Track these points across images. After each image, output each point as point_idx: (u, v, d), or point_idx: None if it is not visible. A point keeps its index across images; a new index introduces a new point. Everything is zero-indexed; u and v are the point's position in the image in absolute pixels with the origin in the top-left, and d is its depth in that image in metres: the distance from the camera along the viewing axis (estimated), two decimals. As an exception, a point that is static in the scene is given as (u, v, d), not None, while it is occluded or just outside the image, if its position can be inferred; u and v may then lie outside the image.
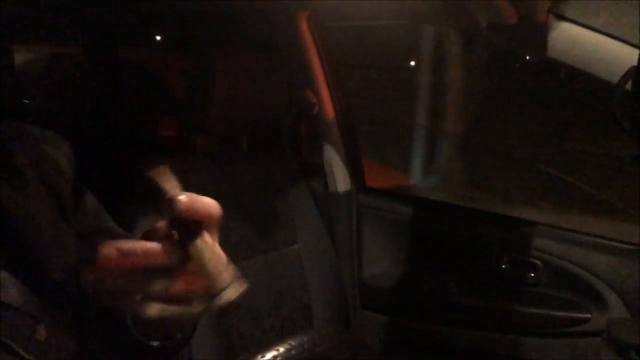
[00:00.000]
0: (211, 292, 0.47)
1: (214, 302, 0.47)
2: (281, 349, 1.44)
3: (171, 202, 0.46)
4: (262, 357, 1.43)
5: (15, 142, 0.62)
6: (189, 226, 0.46)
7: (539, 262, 1.45)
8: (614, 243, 1.40)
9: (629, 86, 0.88)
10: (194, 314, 0.50)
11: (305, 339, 1.49)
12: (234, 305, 0.47)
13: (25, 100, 2.34)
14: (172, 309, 0.48)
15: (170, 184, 0.47)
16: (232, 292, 0.48)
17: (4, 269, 0.58)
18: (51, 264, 0.61)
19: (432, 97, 3.13)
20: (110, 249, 0.46)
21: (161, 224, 0.48)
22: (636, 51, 0.95)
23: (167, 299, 0.48)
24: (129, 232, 0.74)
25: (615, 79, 0.93)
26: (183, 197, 0.46)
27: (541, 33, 1.13)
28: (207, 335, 1.35)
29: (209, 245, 0.47)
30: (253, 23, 1.72)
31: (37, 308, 0.59)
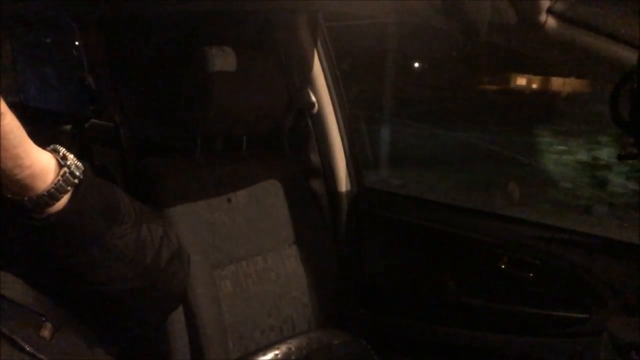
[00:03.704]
0: None
1: None
2: (282, 349, 1.44)
3: None
4: (263, 356, 1.43)
5: None
6: None
7: (538, 262, 1.46)
8: (614, 243, 1.40)
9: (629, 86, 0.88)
10: None
11: (305, 339, 1.50)
12: None
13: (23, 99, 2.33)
14: None
15: None
16: None
17: (11, 268, 0.59)
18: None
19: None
20: None
21: None
22: (636, 51, 0.96)
23: None
24: None
25: (614, 79, 0.93)
26: None
27: (541, 33, 1.13)
28: (207, 334, 1.35)
29: None
30: (253, 23, 1.72)
31: (44, 307, 0.59)
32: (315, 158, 1.74)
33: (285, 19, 1.66)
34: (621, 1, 1.05)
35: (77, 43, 2.31)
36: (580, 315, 1.40)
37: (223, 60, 1.39)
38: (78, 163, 0.59)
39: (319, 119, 1.71)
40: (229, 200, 1.48)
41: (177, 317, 1.31)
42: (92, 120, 2.44)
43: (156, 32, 2.09)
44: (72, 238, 0.58)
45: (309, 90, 1.68)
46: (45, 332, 0.58)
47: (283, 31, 1.68)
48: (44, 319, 0.59)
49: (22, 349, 0.56)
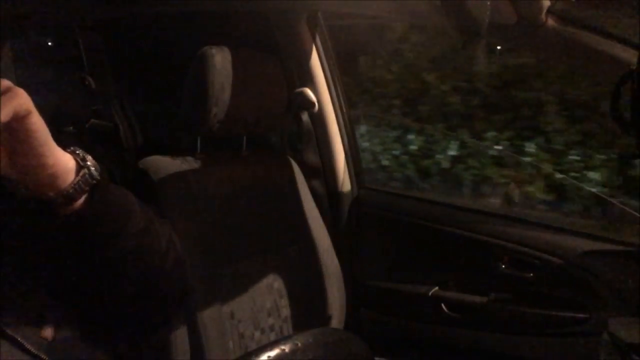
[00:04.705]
0: None
1: None
2: (281, 348, 1.44)
3: None
4: (264, 355, 1.43)
5: None
6: None
7: (538, 262, 1.46)
8: (614, 243, 1.40)
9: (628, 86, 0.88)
10: None
11: (308, 338, 1.50)
12: None
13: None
14: None
15: None
16: None
17: (12, 269, 0.59)
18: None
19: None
20: None
21: None
22: (636, 51, 0.95)
23: None
24: None
25: (614, 79, 0.93)
26: None
27: (541, 33, 1.13)
28: (207, 334, 1.35)
29: None
30: (253, 23, 1.71)
31: (45, 308, 0.60)
32: (315, 158, 1.74)
33: (285, 19, 1.66)
34: (621, 1, 1.05)
35: (77, 43, 2.31)
36: (580, 315, 1.40)
37: (223, 60, 1.39)
38: (96, 165, 0.60)
39: (319, 119, 1.71)
40: (229, 200, 1.48)
41: (177, 317, 1.31)
42: (92, 120, 2.44)
43: (156, 32, 2.09)
44: (87, 238, 0.59)
45: (309, 90, 1.68)
46: (47, 333, 0.59)
47: (283, 31, 1.68)
48: (45, 319, 0.59)
49: (23, 349, 0.56)
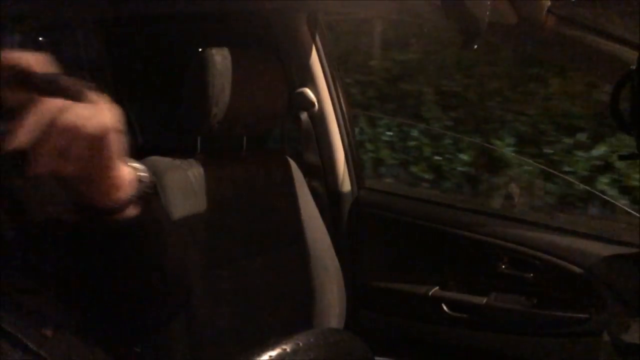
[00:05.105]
0: None
1: None
2: (287, 348, 1.43)
3: None
4: (264, 355, 1.43)
5: None
6: None
7: (538, 262, 1.46)
8: (614, 243, 1.40)
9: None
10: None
11: (309, 338, 1.49)
12: None
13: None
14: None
15: None
16: None
17: (12, 267, 0.59)
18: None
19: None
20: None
21: None
22: (636, 51, 0.96)
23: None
24: None
25: (614, 79, 0.93)
26: None
27: (541, 33, 1.13)
28: (207, 334, 1.35)
29: None
30: (253, 23, 1.72)
31: (44, 305, 0.60)
32: (315, 158, 1.74)
33: (285, 19, 1.66)
34: (621, 1, 1.05)
35: (77, 43, 2.31)
36: (581, 315, 1.40)
37: (223, 60, 1.39)
38: (150, 177, 0.62)
39: (319, 119, 1.71)
40: (229, 200, 1.48)
41: (177, 317, 1.31)
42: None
43: (156, 32, 2.09)
44: (124, 243, 0.61)
45: (309, 90, 1.68)
46: (47, 331, 0.59)
47: (283, 31, 1.68)
48: (45, 317, 0.59)
49: (23, 347, 0.56)
